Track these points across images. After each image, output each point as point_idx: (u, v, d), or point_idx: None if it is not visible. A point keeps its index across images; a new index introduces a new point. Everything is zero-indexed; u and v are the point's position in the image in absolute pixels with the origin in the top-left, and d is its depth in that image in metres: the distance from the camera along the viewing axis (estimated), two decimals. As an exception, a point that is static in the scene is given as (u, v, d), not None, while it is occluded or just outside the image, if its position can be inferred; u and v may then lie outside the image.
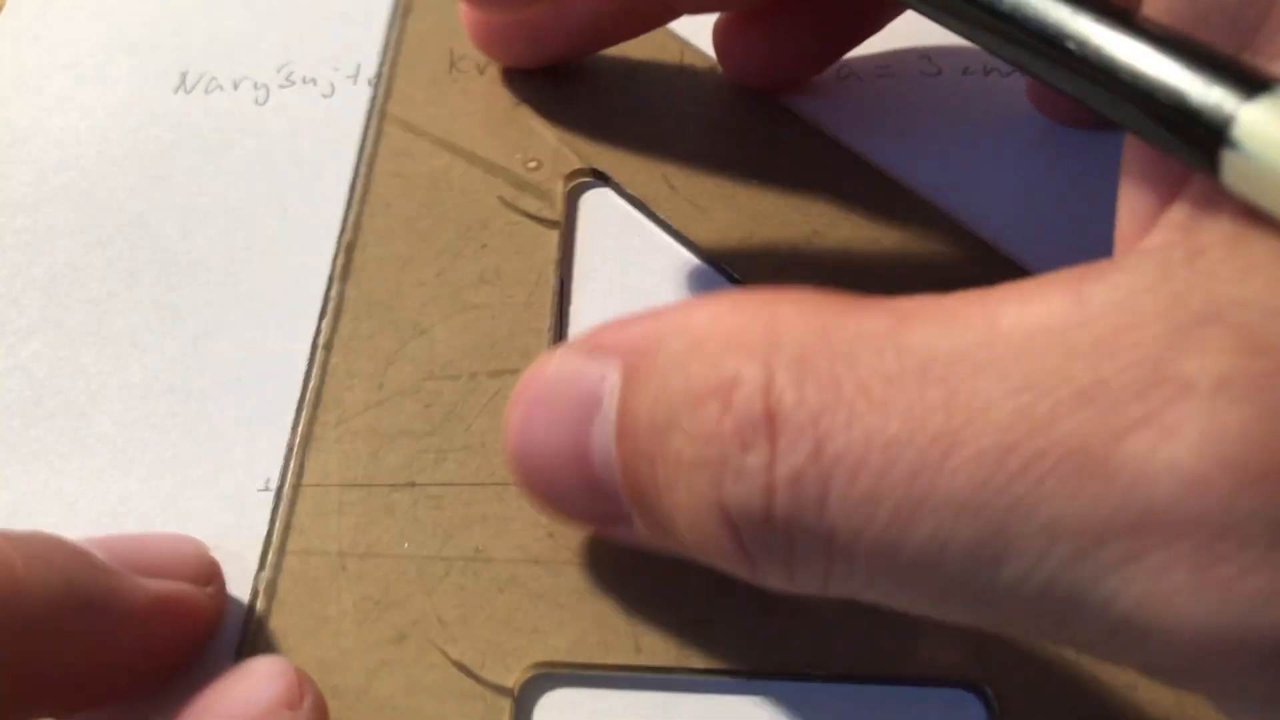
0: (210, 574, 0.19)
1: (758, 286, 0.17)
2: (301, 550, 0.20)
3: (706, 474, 0.15)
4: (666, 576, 0.19)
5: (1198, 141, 0.13)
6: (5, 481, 0.21)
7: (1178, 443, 0.12)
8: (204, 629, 0.19)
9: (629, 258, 0.24)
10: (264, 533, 0.20)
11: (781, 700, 0.19)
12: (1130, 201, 0.15)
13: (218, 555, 0.20)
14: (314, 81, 0.27)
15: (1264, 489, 0.12)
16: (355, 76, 0.27)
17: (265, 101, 0.26)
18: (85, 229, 0.24)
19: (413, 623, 0.19)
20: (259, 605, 0.19)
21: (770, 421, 0.14)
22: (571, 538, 0.20)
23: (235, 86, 0.26)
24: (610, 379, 0.16)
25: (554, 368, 0.17)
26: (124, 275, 0.23)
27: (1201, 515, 0.12)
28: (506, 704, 0.18)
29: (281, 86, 0.26)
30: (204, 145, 0.25)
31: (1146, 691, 0.18)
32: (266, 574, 0.20)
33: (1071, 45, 0.14)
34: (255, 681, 0.17)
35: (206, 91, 0.26)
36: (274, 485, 0.21)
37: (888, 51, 0.27)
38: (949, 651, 0.19)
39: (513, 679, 0.19)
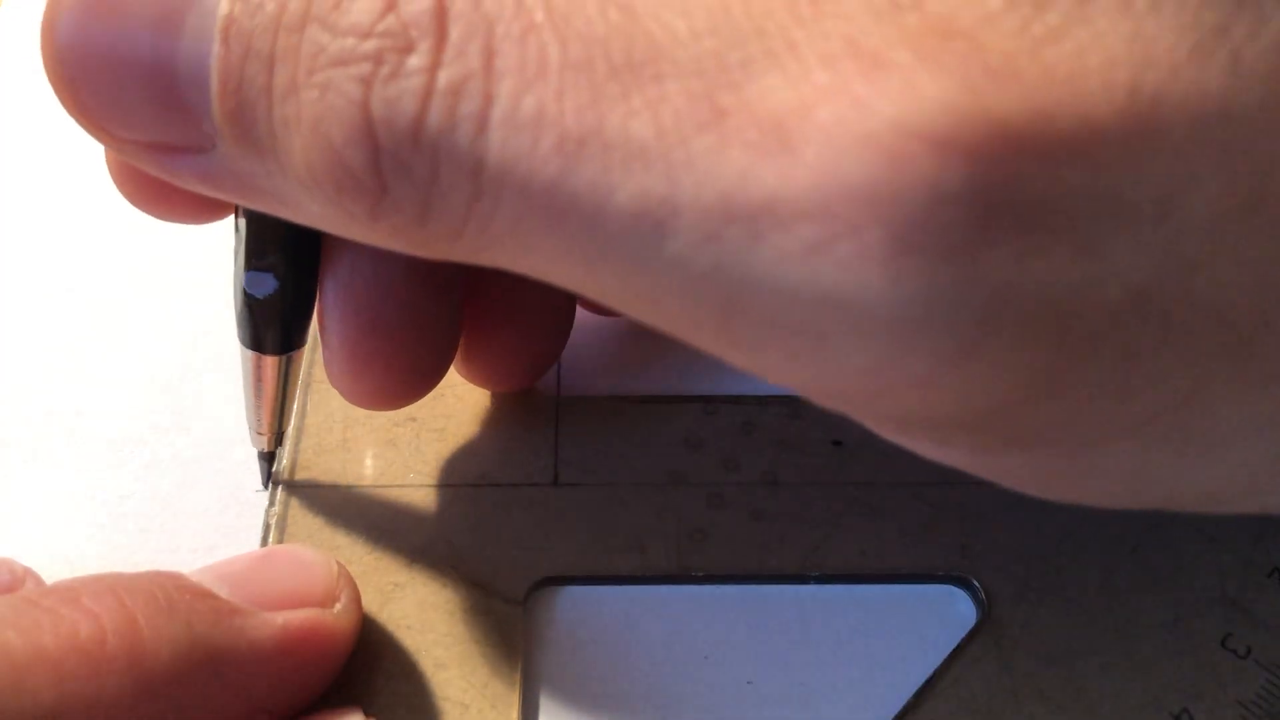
0: (338, 588, 0.18)
1: None
2: (308, 485, 0.20)
3: (353, 73, 0.12)
4: (666, 491, 0.20)
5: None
6: (2, 480, 0.21)
7: (872, 116, 0.11)
8: (337, 654, 0.18)
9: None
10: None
11: (779, 602, 0.20)
12: None
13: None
14: None
15: (972, 163, 0.11)
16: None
17: None
18: (84, 227, 0.24)
19: (422, 547, 0.20)
20: (270, 539, 0.20)
21: (439, 20, 0.12)
22: (575, 463, 0.21)
23: None
24: None
25: None
26: (123, 273, 0.23)
27: (898, 193, 0.11)
28: (518, 614, 0.19)
29: None
30: (205, 144, 0.26)
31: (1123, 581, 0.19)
32: (276, 509, 0.20)
33: None
34: (310, 575, 0.17)
35: (207, 89, 0.27)
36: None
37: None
38: (937, 550, 0.20)
39: (523, 591, 0.19)
